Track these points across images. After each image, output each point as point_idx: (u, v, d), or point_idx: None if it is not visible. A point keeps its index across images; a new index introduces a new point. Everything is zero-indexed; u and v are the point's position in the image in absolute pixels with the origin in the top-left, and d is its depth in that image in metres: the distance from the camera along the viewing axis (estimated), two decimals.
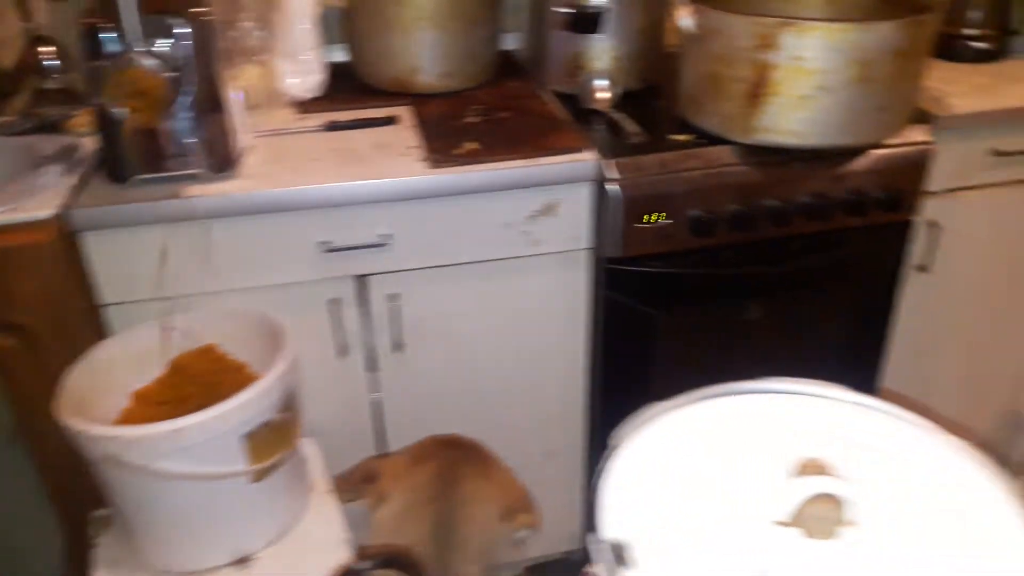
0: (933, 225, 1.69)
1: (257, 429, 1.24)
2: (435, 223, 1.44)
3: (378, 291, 1.49)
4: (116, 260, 1.35)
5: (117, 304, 1.39)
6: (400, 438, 1.63)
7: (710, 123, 1.53)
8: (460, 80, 1.71)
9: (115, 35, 1.24)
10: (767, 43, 1.39)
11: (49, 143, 1.49)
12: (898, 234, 1.66)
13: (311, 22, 1.64)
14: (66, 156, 1.45)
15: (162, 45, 1.26)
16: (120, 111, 1.27)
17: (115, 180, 1.36)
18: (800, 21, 1.37)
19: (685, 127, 1.56)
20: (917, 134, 1.58)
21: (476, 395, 1.66)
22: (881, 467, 0.67)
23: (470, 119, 1.58)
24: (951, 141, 1.62)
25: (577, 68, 1.70)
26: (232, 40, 1.56)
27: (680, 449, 0.68)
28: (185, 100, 1.29)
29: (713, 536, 0.60)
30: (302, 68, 1.64)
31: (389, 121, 1.58)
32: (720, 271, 1.60)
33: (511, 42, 1.96)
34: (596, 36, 1.66)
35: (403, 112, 1.62)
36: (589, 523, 0.62)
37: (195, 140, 1.33)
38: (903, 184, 1.59)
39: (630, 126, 1.56)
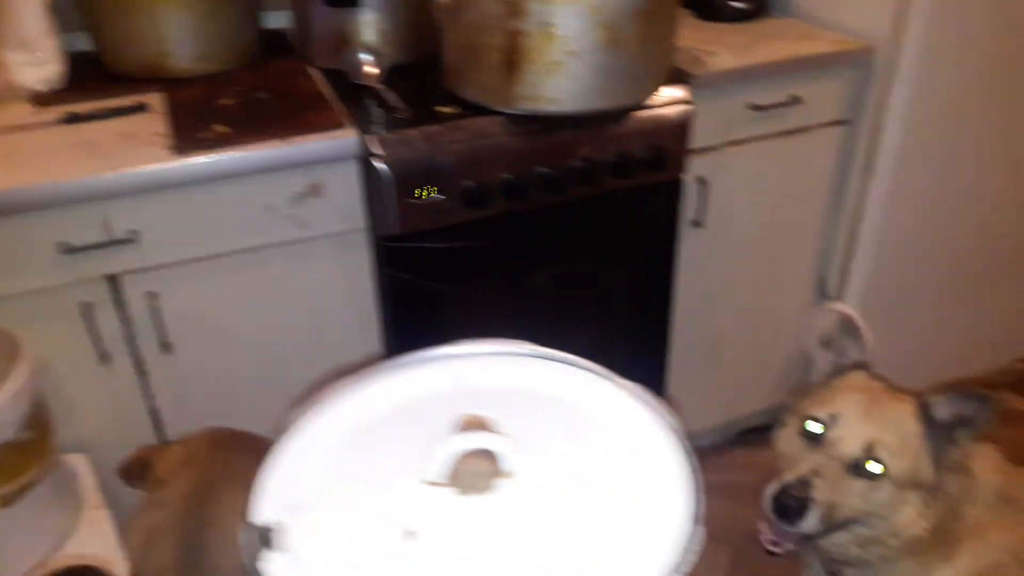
0: (702, 181, 1.76)
1: None
2: (187, 213, 1.37)
3: (134, 290, 1.39)
4: None
5: None
6: None
7: (473, 94, 1.53)
8: (217, 62, 1.63)
9: None
10: (515, 10, 1.39)
11: None
12: (670, 192, 1.72)
13: (41, 7, 1.50)
14: None
15: None
16: None
17: None
18: None
19: (452, 99, 1.55)
20: (677, 94, 1.63)
21: (261, 392, 1.59)
22: (550, 418, 0.68)
23: (224, 102, 1.51)
24: (710, 99, 1.68)
25: (343, 43, 1.65)
26: None
27: (349, 424, 0.66)
28: None
29: (365, 505, 0.59)
30: (35, 58, 1.51)
31: (137, 109, 1.48)
32: (500, 242, 1.60)
33: (282, 20, 1.89)
34: (357, 9, 1.62)
35: (153, 99, 1.52)
36: None
37: None
38: (668, 143, 1.64)
39: (396, 100, 1.53)
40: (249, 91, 1.56)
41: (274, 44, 1.80)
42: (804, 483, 1.10)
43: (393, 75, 1.62)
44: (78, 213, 1.29)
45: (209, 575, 1.02)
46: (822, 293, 2.11)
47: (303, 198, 1.44)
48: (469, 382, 0.72)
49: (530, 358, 0.76)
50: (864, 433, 1.12)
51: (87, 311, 1.37)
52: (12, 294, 1.32)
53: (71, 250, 1.30)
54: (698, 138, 1.70)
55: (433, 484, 0.59)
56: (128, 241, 1.34)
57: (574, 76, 1.44)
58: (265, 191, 1.40)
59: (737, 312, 2.05)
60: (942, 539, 1.19)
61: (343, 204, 1.48)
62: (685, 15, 1.98)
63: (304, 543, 0.55)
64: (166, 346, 1.46)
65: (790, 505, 1.09)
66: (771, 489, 1.13)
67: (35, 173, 1.27)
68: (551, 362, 0.76)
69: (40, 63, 1.52)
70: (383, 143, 1.43)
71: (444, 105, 1.54)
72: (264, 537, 0.55)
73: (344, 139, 1.41)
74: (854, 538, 1.17)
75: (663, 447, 0.65)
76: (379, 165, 1.43)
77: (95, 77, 1.60)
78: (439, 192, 1.50)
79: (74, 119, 1.44)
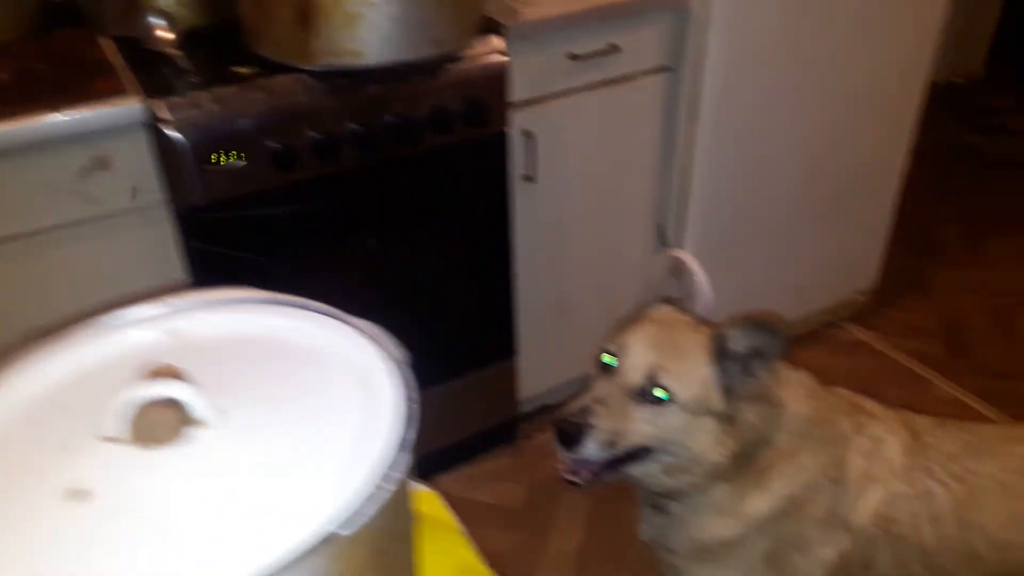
0: (528, 135, 1.75)
1: None
2: None
3: None
4: None
5: None
6: None
7: (272, 52, 1.46)
8: None
9: None
10: None
11: None
12: (494, 147, 1.69)
13: None
14: None
15: None
16: None
17: None
18: None
19: (252, 60, 1.47)
20: (490, 45, 1.61)
21: None
22: (264, 363, 0.64)
23: None
24: (527, 49, 1.66)
25: (134, 8, 1.54)
26: None
27: (35, 388, 0.60)
28: None
29: (38, 468, 0.53)
30: None
31: None
32: (318, 207, 1.55)
33: None
34: None
35: None
36: None
37: None
38: (485, 96, 1.62)
39: (189, 64, 1.44)
40: (26, 64, 1.44)
41: (63, 14, 1.67)
42: (584, 410, 1.12)
43: (190, 40, 1.53)
44: None
45: None
46: (662, 241, 2.14)
47: (89, 173, 1.34)
48: (184, 333, 0.67)
49: (256, 304, 0.71)
50: (648, 361, 1.13)
51: None
52: None
53: None
54: (518, 90, 1.68)
55: (110, 439, 0.54)
56: None
57: (374, 27, 1.39)
58: (43, 168, 1.30)
59: (580, 266, 2.06)
60: (752, 466, 1.21)
61: (134, 176, 1.39)
62: None
63: None
64: None
65: (567, 432, 1.11)
66: (554, 416, 1.14)
67: None
68: (277, 306, 0.71)
69: None
70: (172, 108, 1.35)
71: (243, 66, 1.46)
72: None
73: (127, 106, 1.32)
74: (661, 467, 1.18)
75: (383, 380, 0.62)
76: (170, 132, 1.35)
77: None
78: (242, 157, 1.42)
79: None
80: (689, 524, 1.27)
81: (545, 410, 2.32)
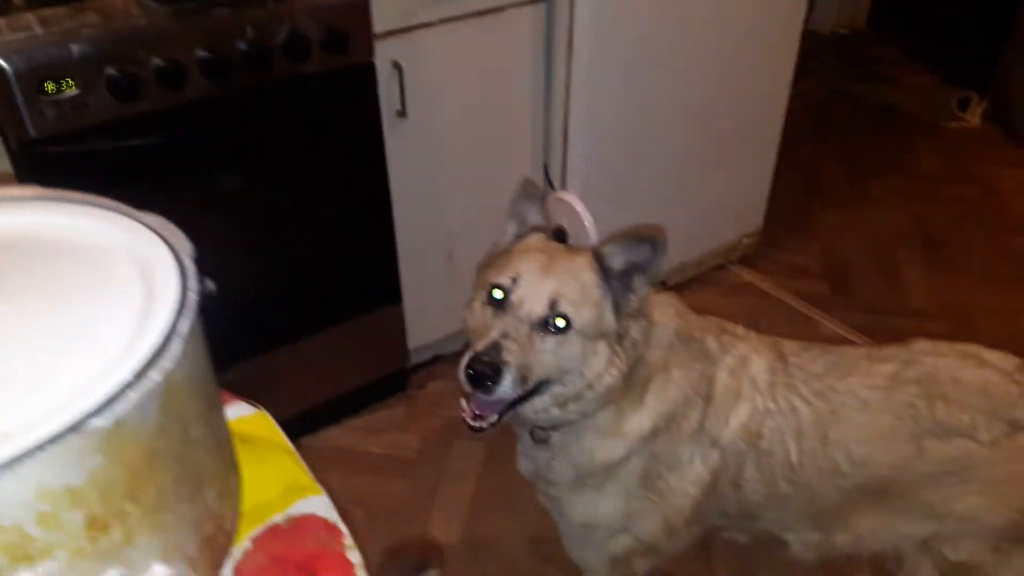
0: (396, 67, 1.68)
1: None
2: None
3: None
4: None
5: None
6: None
7: None
8: None
9: None
10: None
11: None
12: (360, 79, 1.63)
13: None
14: None
15: None
16: None
17: None
18: None
19: None
20: None
21: None
22: (36, 261, 0.59)
23: None
24: None
25: None
26: None
27: None
28: None
29: None
30: None
31: None
32: (168, 140, 1.45)
33: None
34: None
35: None
36: None
37: None
38: (346, 23, 1.54)
39: None
40: None
41: None
42: (495, 347, 1.07)
43: None
44: None
45: None
46: (548, 182, 2.12)
47: None
48: None
49: (42, 202, 0.65)
50: (546, 289, 1.10)
51: None
52: None
53: None
54: (384, 20, 1.62)
55: None
56: None
57: None
58: None
59: (464, 209, 2.01)
60: (633, 385, 1.21)
61: None
62: None
63: None
64: None
65: (484, 372, 1.05)
66: (464, 360, 1.08)
67: None
68: (63, 204, 0.65)
69: None
70: None
71: None
72: None
73: None
74: (552, 399, 1.16)
75: (167, 275, 0.57)
76: None
77: None
78: (77, 85, 1.32)
79: None
80: (572, 451, 1.26)
81: (437, 360, 2.29)
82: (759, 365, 1.28)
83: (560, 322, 1.10)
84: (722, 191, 2.47)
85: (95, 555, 0.51)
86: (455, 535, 1.89)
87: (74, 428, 0.46)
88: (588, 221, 2.09)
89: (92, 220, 0.64)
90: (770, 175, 2.57)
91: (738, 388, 1.26)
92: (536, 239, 1.23)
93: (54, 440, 0.45)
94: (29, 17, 1.27)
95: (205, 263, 0.63)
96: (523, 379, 1.09)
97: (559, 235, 2.17)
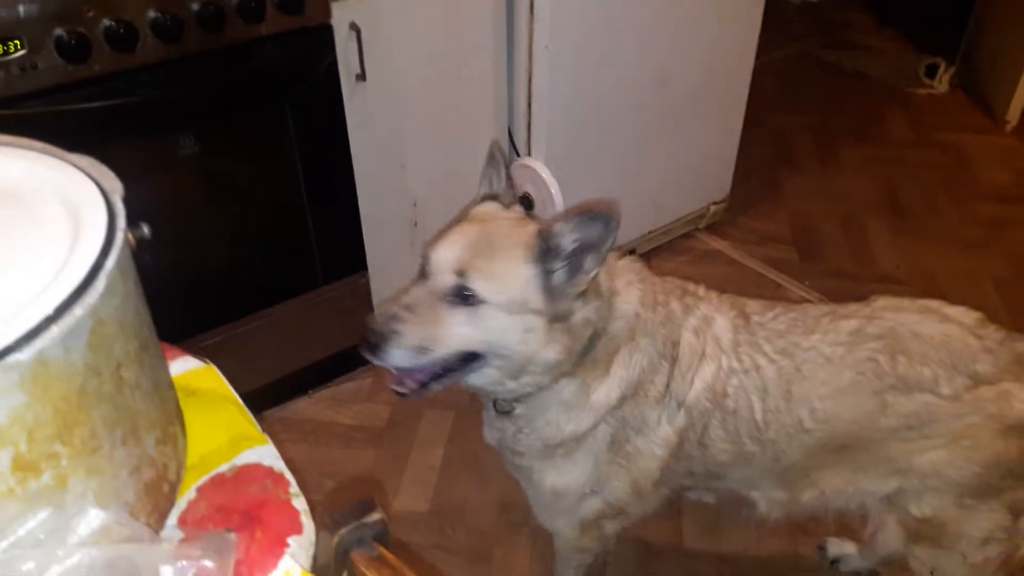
0: (354, 28, 1.65)
1: None
2: None
3: None
4: None
5: None
6: None
7: None
8: None
9: None
10: None
11: None
12: (318, 40, 1.60)
13: None
14: None
15: None
16: None
17: None
18: None
19: None
20: None
21: None
22: None
23: None
24: None
25: None
26: None
27: None
28: None
29: None
30: None
31: None
32: (120, 103, 1.42)
33: None
34: None
35: None
36: None
37: None
38: None
39: None
40: None
41: None
42: (389, 317, 1.06)
43: None
44: None
45: None
46: (513, 148, 2.10)
47: None
48: None
49: None
50: (455, 262, 1.07)
51: None
52: None
53: None
54: None
55: None
56: None
57: None
58: None
59: (429, 175, 1.99)
60: (597, 360, 1.19)
61: None
62: None
63: None
64: None
65: (370, 341, 1.05)
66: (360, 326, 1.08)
67: None
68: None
69: None
70: None
71: None
72: None
73: None
74: (498, 372, 1.13)
75: (95, 214, 0.56)
76: None
77: None
78: (24, 46, 1.28)
79: None
80: (538, 424, 1.24)
81: None
82: (722, 324, 1.28)
83: (469, 295, 1.07)
84: (689, 157, 2.47)
85: (25, 497, 0.50)
86: (425, 503, 1.89)
87: None
88: (553, 188, 2.07)
89: (19, 160, 0.62)
90: (736, 141, 2.57)
91: (702, 348, 1.26)
92: (486, 207, 1.20)
93: None
94: None
95: (159, 227, 0.62)
96: (423, 350, 1.07)
97: (525, 202, 2.17)
